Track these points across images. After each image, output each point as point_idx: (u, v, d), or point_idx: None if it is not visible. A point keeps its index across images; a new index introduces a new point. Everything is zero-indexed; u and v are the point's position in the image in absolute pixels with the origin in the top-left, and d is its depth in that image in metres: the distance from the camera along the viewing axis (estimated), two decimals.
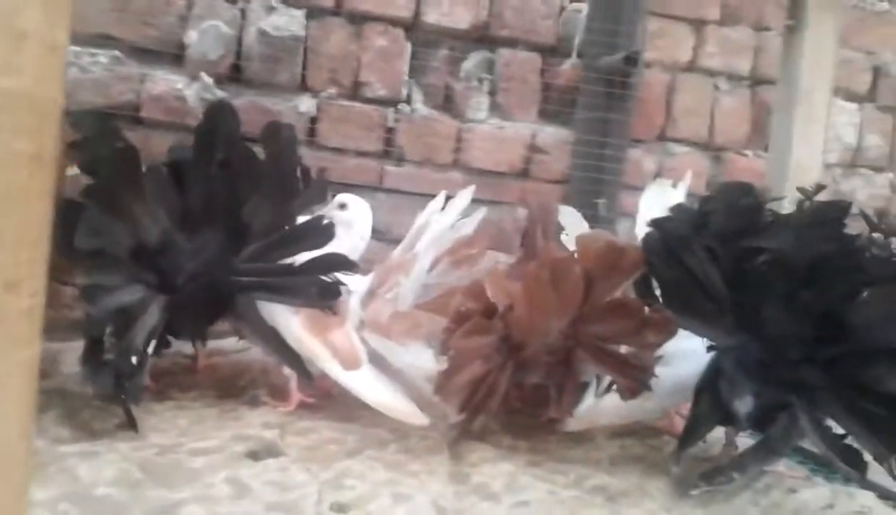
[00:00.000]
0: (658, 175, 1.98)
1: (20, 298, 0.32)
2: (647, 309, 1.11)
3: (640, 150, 2.00)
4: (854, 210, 1.00)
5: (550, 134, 1.94)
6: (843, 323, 0.95)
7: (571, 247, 1.46)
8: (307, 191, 1.34)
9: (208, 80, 1.74)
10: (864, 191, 2.15)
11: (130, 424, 1.05)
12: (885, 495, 1.09)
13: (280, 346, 1.19)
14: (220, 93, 1.74)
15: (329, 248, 1.21)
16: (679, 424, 1.31)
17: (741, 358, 1.04)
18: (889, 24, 2.13)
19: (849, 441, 0.98)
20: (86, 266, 1.10)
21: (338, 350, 1.17)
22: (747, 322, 1.02)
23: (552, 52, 1.93)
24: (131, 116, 1.70)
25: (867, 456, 0.98)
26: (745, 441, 1.18)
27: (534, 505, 0.99)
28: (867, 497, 1.08)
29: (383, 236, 1.79)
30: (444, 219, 1.18)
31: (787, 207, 1.11)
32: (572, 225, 1.48)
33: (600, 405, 1.18)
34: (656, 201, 1.45)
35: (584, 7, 1.90)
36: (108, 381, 1.03)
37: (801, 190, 1.04)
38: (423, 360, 1.13)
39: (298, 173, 1.37)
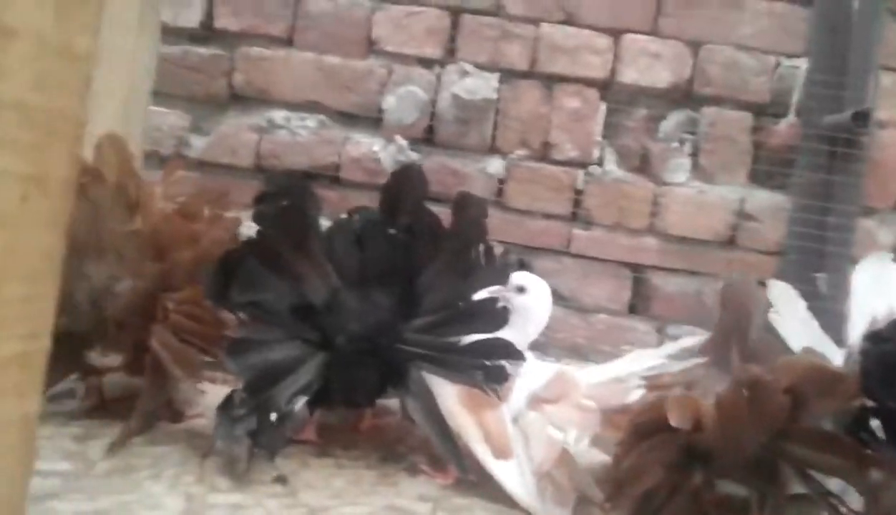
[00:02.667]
0: None
1: (2, 342, 0.27)
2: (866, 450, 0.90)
3: (874, 220, 1.73)
4: None
5: (762, 199, 1.73)
6: None
7: (780, 325, 1.27)
8: (487, 270, 1.28)
9: (403, 142, 1.78)
10: None
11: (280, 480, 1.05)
12: None
13: (442, 430, 1.12)
14: (413, 155, 1.77)
15: (499, 333, 1.14)
16: None
17: None
18: None
19: None
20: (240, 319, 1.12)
21: (490, 434, 1.09)
22: None
23: (764, 110, 1.75)
24: (331, 177, 1.79)
25: None
26: None
27: None
28: None
29: (568, 303, 1.69)
30: (656, 355, 1.06)
31: None
32: (783, 301, 1.28)
33: None
34: (873, 280, 1.22)
35: (803, 62, 1.71)
36: (231, 433, 1.04)
37: None
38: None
39: (481, 250, 1.32)
